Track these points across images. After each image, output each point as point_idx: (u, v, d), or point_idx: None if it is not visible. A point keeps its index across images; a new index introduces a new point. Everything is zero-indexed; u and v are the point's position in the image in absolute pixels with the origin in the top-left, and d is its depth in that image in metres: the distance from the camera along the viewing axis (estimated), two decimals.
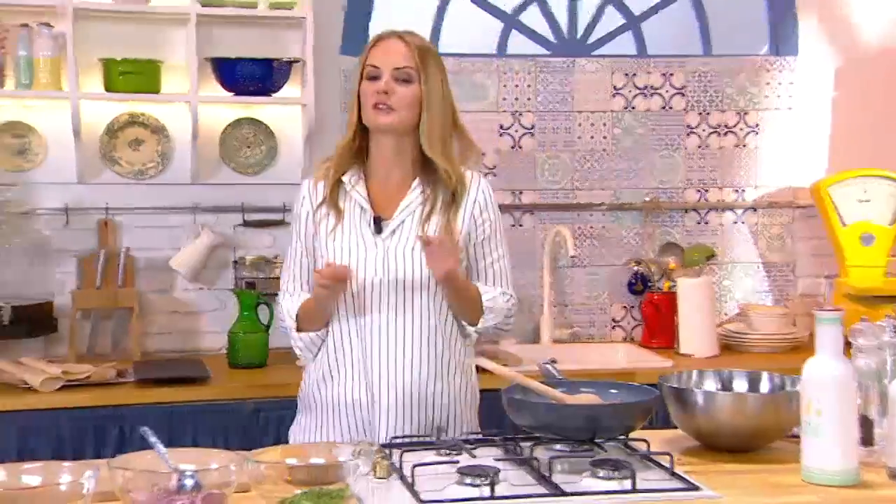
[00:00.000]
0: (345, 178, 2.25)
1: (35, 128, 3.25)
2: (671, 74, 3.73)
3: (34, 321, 3.11)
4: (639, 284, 3.70)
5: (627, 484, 1.74)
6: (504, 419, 2.02)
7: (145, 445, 1.70)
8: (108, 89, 3.20)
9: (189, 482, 1.58)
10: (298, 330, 2.25)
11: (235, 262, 3.39)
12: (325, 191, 2.25)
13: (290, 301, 2.27)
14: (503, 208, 3.59)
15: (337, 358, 2.23)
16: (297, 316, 2.25)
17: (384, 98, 2.16)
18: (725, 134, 3.77)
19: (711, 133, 3.76)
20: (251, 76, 3.25)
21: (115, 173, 3.34)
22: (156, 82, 3.23)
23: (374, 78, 2.19)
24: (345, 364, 2.22)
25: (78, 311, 3.22)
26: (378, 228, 2.21)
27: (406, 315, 2.19)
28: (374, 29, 3.53)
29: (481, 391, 2.37)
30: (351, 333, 2.21)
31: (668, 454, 1.85)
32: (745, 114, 3.77)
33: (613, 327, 3.74)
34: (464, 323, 2.26)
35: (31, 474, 1.56)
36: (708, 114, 3.75)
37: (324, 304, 2.20)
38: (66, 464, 1.60)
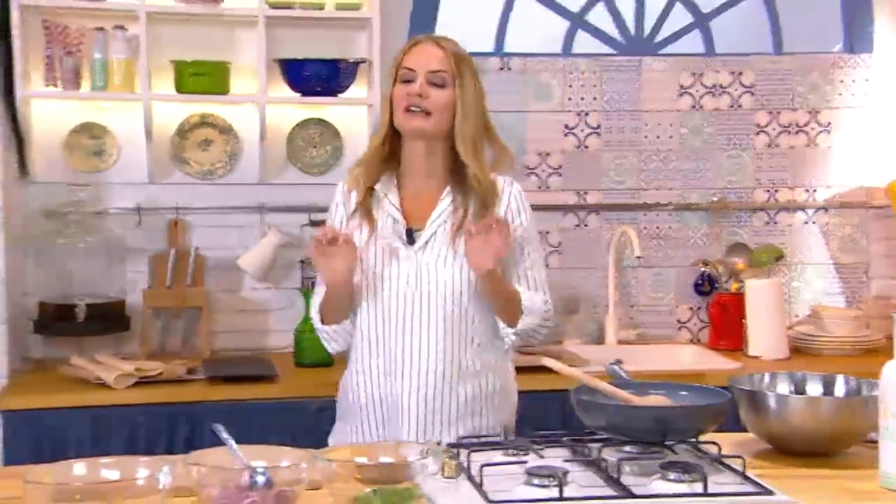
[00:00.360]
0: (377, 186, 2.24)
1: (109, 129, 3.32)
2: (740, 73, 3.67)
3: (107, 319, 3.18)
4: (705, 285, 3.65)
5: (699, 487, 1.71)
6: (569, 420, 2.00)
7: (215, 441, 1.72)
8: (178, 90, 3.26)
9: (261, 479, 1.60)
10: (323, 322, 2.25)
11: (302, 261, 3.41)
12: (357, 199, 2.24)
13: (317, 297, 2.27)
14: (568, 208, 3.62)
15: (365, 365, 2.23)
16: (320, 307, 2.25)
17: (418, 101, 2.16)
18: (796, 133, 3.71)
19: (782, 132, 3.70)
20: (318, 77, 3.28)
21: (185, 173, 3.39)
22: (225, 83, 3.28)
23: (409, 81, 2.18)
24: (372, 370, 2.22)
25: (149, 309, 3.29)
26: (410, 239, 2.21)
27: (436, 325, 2.17)
28: (441, 29, 3.54)
29: (546, 392, 2.36)
30: (379, 342, 2.20)
31: (740, 457, 1.82)
32: (817, 112, 3.70)
33: (679, 328, 3.70)
34: (501, 326, 2.24)
35: (110, 468, 1.59)
36: (778, 112, 3.69)
37: (330, 285, 2.16)
38: (143, 459, 1.63)
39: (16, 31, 3.03)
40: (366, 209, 2.22)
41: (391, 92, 2.21)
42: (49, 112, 3.26)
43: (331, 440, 2.33)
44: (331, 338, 2.26)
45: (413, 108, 2.16)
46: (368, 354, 2.23)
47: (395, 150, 2.23)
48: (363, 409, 2.24)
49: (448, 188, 2.22)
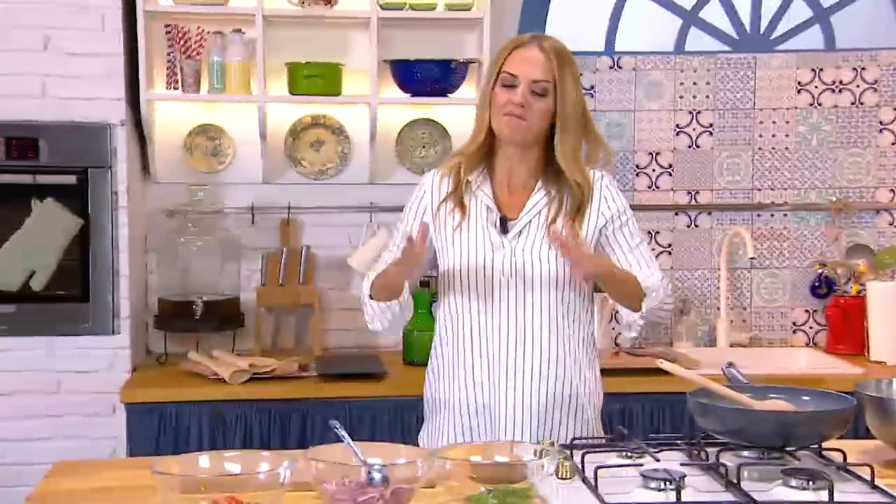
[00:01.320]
0: (470, 178, 2.23)
1: (225, 130, 3.41)
2: (863, 69, 3.55)
3: (223, 316, 3.26)
4: (823, 287, 3.55)
5: (824, 495, 1.66)
6: (681, 423, 1.97)
7: (327, 437, 1.75)
8: (292, 92, 3.32)
9: (377, 476, 1.62)
10: (372, 297, 2.22)
11: None
12: (450, 186, 2.23)
13: (374, 273, 2.24)
14: (678, 208, 3.56)
15: (461, 357, 2.21)
16: (372, 284, 2.22)
17: (519, 111, 2.14)
18: None
19: None
20: (428, 77, 3.30)
21: (298, 173, 3.46)
22: (337, 85, 3.32)
23: (510, 86, 2.15)
24: (469, 362, 2.19)
25: (262, 307, 3.36)
26: (504, 229, 2.20)
27: (531, 313, 2.16)
28: (551, 29, 3.52)
29: (662, 394, 2.32)
30: (474, 332, 2.19)
31: (868, 465, 1.76)
32: None
33: (795, 331, 3.60)
34: (626, 314, 2.20)
35: (233, 462, 1.63)
36: None
37: (393, 278, 2.17)
38: (265, 453, 1.67)
39: (141, 36, 3.13)
40: (458, 197, 2.21)
41: (490, 91, 2.18)
42: (170, 114, 3.36)
43: (423, 436, 2.31)
44: (375, 315, 2.24)
45: (514, 116, 2.15)
46: (462, 343, 2.20)
47: (492, 145, 2.23)
48: (456, 398, 2.21)
49: (540, 181, 2.22)
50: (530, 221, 2.19)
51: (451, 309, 2.22)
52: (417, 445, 2.23)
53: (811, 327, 3.59)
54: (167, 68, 3.29)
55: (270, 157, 3.40)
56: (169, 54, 3.30)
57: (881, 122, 3.56)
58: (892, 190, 3.58)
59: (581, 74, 2.21)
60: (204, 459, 1.64)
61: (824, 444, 1.87)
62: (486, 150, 2.23)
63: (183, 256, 3.30)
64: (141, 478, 1.72)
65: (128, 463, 2.41)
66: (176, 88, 3.29)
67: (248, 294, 3.37)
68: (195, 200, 3.32)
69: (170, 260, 3.33)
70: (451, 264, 2.20)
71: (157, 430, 2.89)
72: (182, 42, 3.30)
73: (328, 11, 3.28)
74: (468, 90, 3.38)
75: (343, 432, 1.73)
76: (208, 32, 3.29)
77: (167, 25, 3.29)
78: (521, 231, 2.19)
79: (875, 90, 3.55)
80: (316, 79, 3.28)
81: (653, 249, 3.45)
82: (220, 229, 3.38)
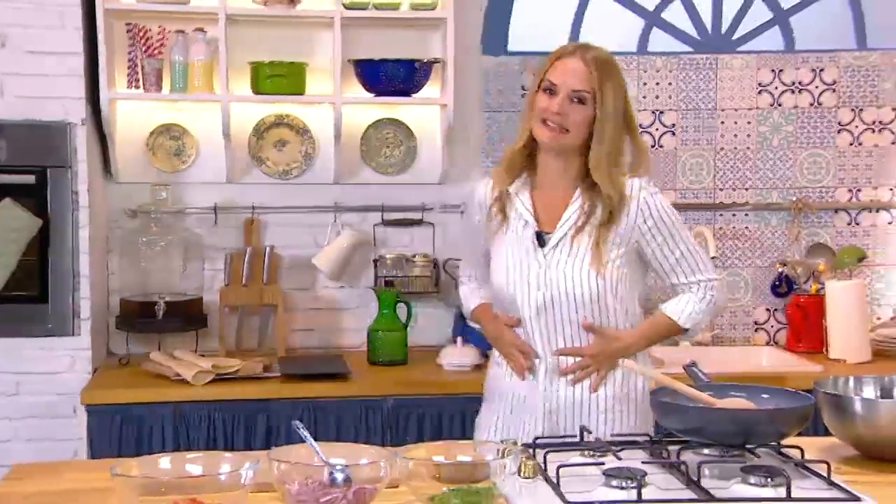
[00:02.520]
0: (511, 187, 2.28)
1: (188, 129, 3.39)
2: (822, 70, 3.59)
3: (186, 316, 3.24)
4: (783, 286, 3.59)
5: (782, 492, 1.68)
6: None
7: (291, 438, 1.74)
8: (255, 91, 3.30)
9: (340, 476, 1.61)
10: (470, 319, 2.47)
11: (376, 260, 3.44)
12: (493, 196, 2.30)
13: (469, 291, 2.45)
14: None
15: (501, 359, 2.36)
16: (472, 311, 2.44)
17: (557, 118, 2.17)
18: (880, 131, 3.61)
19: (865, 130, 3.61)
20: (393, 77, 3.29)
21: (262, 173, 3.44)
22: (301, 84, 3.31)
23: (551, 92, 2.19)
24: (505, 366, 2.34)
25: (225, 306, 3.34)
26: (541, 241, 2.23)
27: (563, 328, 2.22)
28: (515, 29, 3.53)
29: None
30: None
31: (825, 462, 1.78)
32: None
33: (756, 330, 3.63)
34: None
35: (194, 463, 1.62)
36: (861, 110, 3.60)
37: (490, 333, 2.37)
38: (227, 454, 1.66)
39: (101, 35, 3.10)
40: (500, 208, 2.28)
41: (533, 96, 2.22)
42: (131, 113, 3.33)
43: (477, 422, 2.40)
44: (475, 329, 2.50)
45: (550, 123, 2.18)
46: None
47: (533, 153, 2.27)
48: (502, 397, 2.32)
49: (579, 191, 2.24)
50: (566, 234, 2.22)
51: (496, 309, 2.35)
52: (383, 445, 2.24)
53: (772, 326, 3.63)
54: (128, 67, 3.27)
55: (234, 157, 3.38)
56: (130, 53, 3.27)
57: (840, 123, 3.61)
58: (850, 190, 3.63)
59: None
60: (165, 461, 1.63)
61: (783, 442, 1.89)
62: (528, 155, 2.27)
63: (145, 256, 3.28)
64: (102, 480, 1.70)
65: (89, 465, 2.39)
66: (138, 88, 3.27)
67: (211, 294, 3.35)
68: (158, 200, 3.30)
69: (132, 260, 3.30)
70: (493, 276, 2.29)
71: (119, 431, 2.86)
72: (143, 41, 3.27)
73: (291, 11, 3.27)
74: (433, 90, 3.38)
75: (305, 433, 1.72)
76: (170, 31, 3.27)
77: (128, 24, 3.26)
78: (557, 244, 2.22)
79: (833, 91, 3.60)
80: (280, 78, 3.27)
81: None
82: (183, 229, 3.36)
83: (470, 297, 2.44)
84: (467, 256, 2.47)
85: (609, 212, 2.20)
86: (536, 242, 2.23)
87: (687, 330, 2.29)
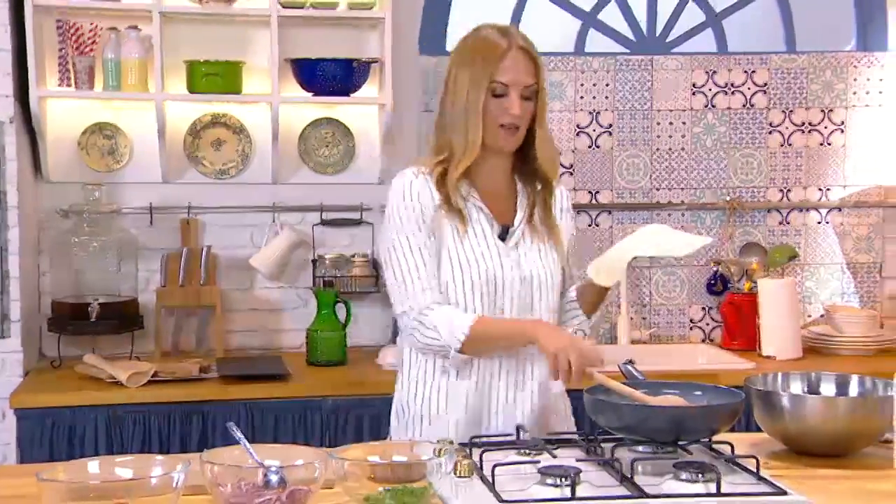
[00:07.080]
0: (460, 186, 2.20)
1: (122, 128, 3.33)
2: (753, 72, 3.66)
3: (121, 318, 3.18)
4: (718, 285, 3.65)
5: (712, 487, 1.71)
6: (583, 419, 2.00)
7: (228, 440, 1.73)
8: (191, 90, 3.26)
9: (275, 478, 1.60)
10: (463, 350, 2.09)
11: (314, 260, 3.42)
12: (444, 193, 2.15)
13: (451, 311, 2.10)
14: (579, 207, 3.61)
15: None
16: (469, 335, 2.07)
17: (516, 120, 2.11)
18: (810, 132, 3.69)
19: (795, 131, 3.68)
20: (331, 76, 3.28)
21: (198, 173, 3.40)
22: (238, 83, 3.28)
23: (501, 96, 2.10)
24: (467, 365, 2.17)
25: (162, 308, 3.29)
26: (503, 237, 2.19)
27: (540, 316, 2.18)
28: (453, 29, 3.54)
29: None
30: None
31: (754, 457, 1.81)
32: (831, 111, 3.68)
33: (692, 328, 3.69)
34: (577, 316, 2.25)
35: (124, 467, 1.59)
36: (791, 111, 3.68)
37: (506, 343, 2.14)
38: (158, 457, 1.63)
39: (29, 31, 3.03)
40: (457, 208, 2.14)
41: (481, 104, 2.09)
42: (63, 112, 3.27)
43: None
44: (454, 365, 2.14)
45: (510, 127, 2.11)
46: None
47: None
48: (449, 399, 2.17)
49: (520, 183, 2.23)
50: (524, 225, 2.20)
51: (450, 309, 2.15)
52: (322, 446, 2.21)
53: (707, 324, 3.69)
54: (59, 65, 3.20)
55: (170, 157, 3.33)
56: (61, 50, 3.21)
57: (771, 124, 3.68)
58: (781, 190, 3.70)
59: None
60: (93, 465, 1.60)
61: (715, 438, 1.92)
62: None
63: (78, 257, 3.22)
64: (30, 485, 1.66)
65: (16, 470, 2.34)
66: (69, 86, 3.21)
67: (147, 295, 3.30)
68: (91, 200, 3.24)
69: (64, 261, 3.24)
70: (456, 274, 2.13)
71: (50, 436, 2.81)
72: (75, 38, 3.21)
73: (228, 9, 3.24)
74: (371, 89, 3.38)
75: (239, 434, 1.70)
76: (102, 28, 3.21)
77: (59, 21, 3.20)
78: (521, 237, 2.19)
79: (765, 93, 3.67)
80: (216, 77, 3.24)
81: None
82: (118, 230, 3.31)
83: (456, 317, 2.08)
84: (423, 265, 2.12)
85: (545, 200, 2.21)
86: (500, 238, 2.18)
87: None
